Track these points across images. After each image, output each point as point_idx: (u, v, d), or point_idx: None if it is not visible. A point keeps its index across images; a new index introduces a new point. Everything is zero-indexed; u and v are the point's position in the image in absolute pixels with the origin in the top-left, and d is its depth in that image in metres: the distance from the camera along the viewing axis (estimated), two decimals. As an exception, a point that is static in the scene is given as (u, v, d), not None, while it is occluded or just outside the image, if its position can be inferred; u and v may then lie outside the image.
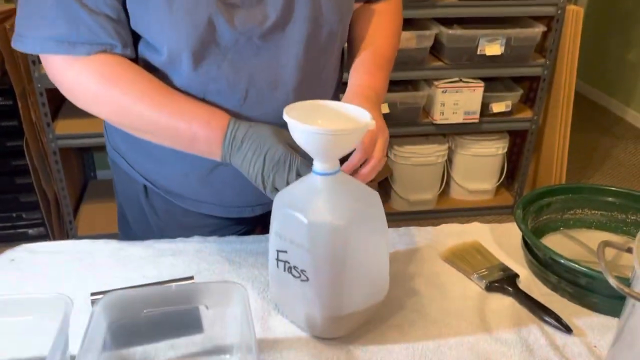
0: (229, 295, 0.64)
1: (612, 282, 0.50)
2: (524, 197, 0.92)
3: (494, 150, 2.24)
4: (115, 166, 0.96)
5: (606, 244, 0.55)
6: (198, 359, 0.67)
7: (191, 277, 0.79)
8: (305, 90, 0.82)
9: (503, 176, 2.34)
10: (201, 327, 0.69)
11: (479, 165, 2.28)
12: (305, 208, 0.65)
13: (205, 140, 0.73)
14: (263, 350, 0.69)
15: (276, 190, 0.70)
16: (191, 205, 0.92)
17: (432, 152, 2.19)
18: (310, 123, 0.62)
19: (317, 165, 0.66)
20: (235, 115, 0.77)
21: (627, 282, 0.53)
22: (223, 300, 0.65)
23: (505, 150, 2.28)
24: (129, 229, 1.00)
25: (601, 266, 0.52)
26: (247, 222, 0.96)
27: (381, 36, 0.90)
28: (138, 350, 0.67)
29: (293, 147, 0.71)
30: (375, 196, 0.69)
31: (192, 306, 0.67)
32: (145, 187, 0.93)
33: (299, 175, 0.69)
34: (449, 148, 2.26)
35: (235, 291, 0.64)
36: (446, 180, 2.33)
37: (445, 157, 2.25)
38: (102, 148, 2.42)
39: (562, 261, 0.77)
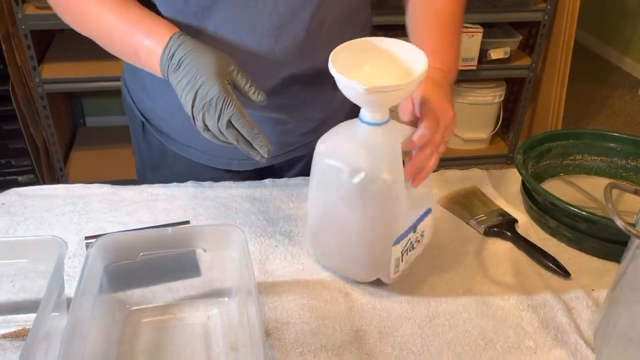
0: (227, 238, 0.63)
1: (620, 223, 0.49)
2: (525, 142, 0.90)
3: (490, 98, 2.21)
4: (125, 100, 0.93)
5: (613, 185, 0.54)
6: (196, 302, 0.66)
7: (187, 222, 0.78)
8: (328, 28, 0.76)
9: (498, 125, 2.32)
10: (199, 270, 0.68)
11: (475, 113, 2.26)
12: (350, 161, 0.62)
13: (147, 52, 0.65)
14: (262, 293, 0.69)
15: (207, 128, 0.63)
16: (180, 149, 0.89)
17: (428, 100, 2.15)
18: (356, 70, 0.58)
19: (365, 114, 0.62)
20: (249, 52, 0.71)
21: (630, 225, 0.52)
22: (221, 244, 0.64)
23: (502, 98, 2.25)
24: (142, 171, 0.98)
25: (608, 207, 0.52)
26: (239, 176, 0.92)
27: None
28: (135, 292, 0.66)
29: (237, 84, 0.63)
30: None
31: (189, 249, 0.66)
32: (143, 123, 0.91)
33: (230, 123, 0.61)
34: (445, 96, 2.22)
35: (233, 234, 0.63)
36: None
37: (441, 105, 2.22)
38: (91, 94, 2.38)
39: (562, 205, 0.76)
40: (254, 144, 0.63)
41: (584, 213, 0.74)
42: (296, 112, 0.83)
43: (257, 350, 0.51)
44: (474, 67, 2.06)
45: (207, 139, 0.65)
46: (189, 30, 0.68)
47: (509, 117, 2.40)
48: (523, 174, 0.82)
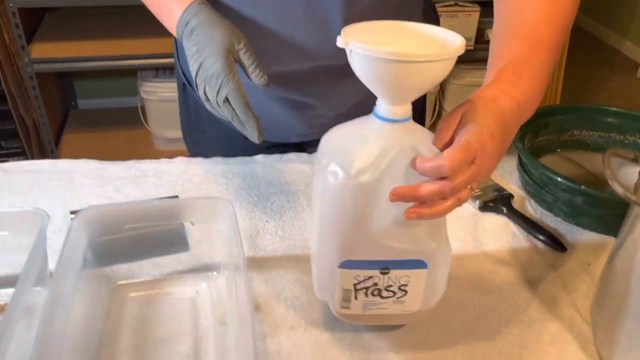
0: (215, 212, 0.62)
1: (619, 189, 0.48)
2: (522, 117, 0.89)
3: (487, 79, 2.19)
4: (175, 58, 0.93)
5: (613, 153, 0.53)
6: (184, 277, 0.65)
7: (176, 197, 0.76)
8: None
9: (495, 107, 2.30)
10: (187, 245, 0.67)
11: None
12: (331, 153, 0.52)
13: (168, 13, 0.66)
14: (252, 268, 0.67)
15: (208, 99, 0.61)
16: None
17: (424, 81, 2.12)
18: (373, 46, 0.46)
19: (381, 106, 0.50)
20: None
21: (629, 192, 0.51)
22: (209, 217, 0.62)
23: (499, 79, 2.23)
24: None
25: (606, 174, 0.50)
26: (269, 149, 0.90)
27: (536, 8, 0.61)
28: (122, 267, 0.64)
29: (242, 62, 0.62)
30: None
31: (177, 223, 0.64)
32: (184, 84, 0.90)
33: (227, 101, 0.60)
34: (442, 77, 2.20)
35: (222, 207, 0.61)
36: (438, 111, 2.29)
37: (438, 87, 2.20)
38: (83, 76, 2.34)
39: (559, 179, 0.74)
40: (246, 126, 0.61)
41: (581, 187, 0.73)
42: (325, 99, 0.81)
43: (245, 325, 0.49)
44: (471, 47, 2.03)
45: None
46: (225, 8, 0.67)
47: (506, 99, 2.38)
48: (519, 148, 0.81)
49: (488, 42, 2.22)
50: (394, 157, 0.49)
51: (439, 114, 2.30)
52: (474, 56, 2.09)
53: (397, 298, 0.55)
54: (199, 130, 0.94)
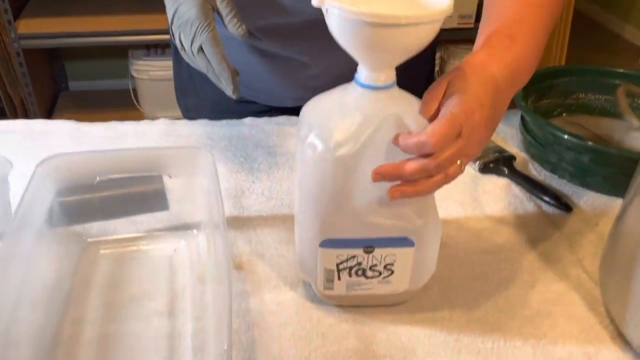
0: (194, 163, 0.57)
1: (634, 120, 0.43)
2: (524, 77, 0.84)
3: (487, 60, 2.14)
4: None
5: (626, 88, 0.48)
6: (163, 235, 0.60)
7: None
8: None
9: (496, 89, 2.25)
10: (166, 203, 0.62)
11: (472, 76, 2.18)
12: (310, 121, 0.48)
13: None
14: (235, 226, 0.63)
15: (183, 48, 0.58)
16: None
17: (423, 62, 2.08)
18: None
19: (362, 72, 0.46)
20: None
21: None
22: (187, 169, 0.58)
23: (500, 60, 2.17)
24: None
25: (620, 105, 0.45)
26: (266, 113, 0.85)
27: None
28: (94, 225, 0.60)
29: (219, 11, 0.58)
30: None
31: (157, 182, 0.60)
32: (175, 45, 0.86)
33: (201, 50, 0.56)
34: (441, 58, 2.15)
35: (201, 157, 0.57)
36: (437, 93, 2.24)
37: (437, 67, 2.15)
38: (74, 56, 2.29)
39: (565, 136, 0.70)
40: (220, 78, 0.57)
41: (588, 143, 0.68)
42: (319, 58, 0.77)
43: (222, 281, 0.45)
44: (471, 25, 1.98)
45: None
46: None
47: (506, 82, 2.33)
48: (522, 106, 0.76)
49: (488, 20, 2.11)
50: (376, 128, 0.45)
51: (438, 96, 2.25)
52: (474, 35, 2.04)
53: (383, 278, 0.51)
54: (191, 95, 0.90)
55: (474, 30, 2.01)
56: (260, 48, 0.77)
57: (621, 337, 0.51)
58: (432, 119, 0.45)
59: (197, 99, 0.89)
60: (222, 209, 0.51)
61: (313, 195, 0.48)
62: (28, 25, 1.73)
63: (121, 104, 2.13)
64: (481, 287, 0.56)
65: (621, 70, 0.87)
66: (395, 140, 0.45)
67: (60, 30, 1.72)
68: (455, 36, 2.03)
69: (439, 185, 0.45)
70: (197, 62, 0.57)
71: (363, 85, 0.46)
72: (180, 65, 0.89)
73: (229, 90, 0.57)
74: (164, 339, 0.49)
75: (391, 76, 0.46)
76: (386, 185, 0.47)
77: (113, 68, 2.23)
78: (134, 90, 2.04)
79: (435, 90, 0.46)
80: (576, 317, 0.53)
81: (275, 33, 0.73)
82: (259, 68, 0.80)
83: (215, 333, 0.45)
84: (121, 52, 2.08)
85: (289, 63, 0.77)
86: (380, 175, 0.45)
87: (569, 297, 0.55)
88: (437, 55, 2.12)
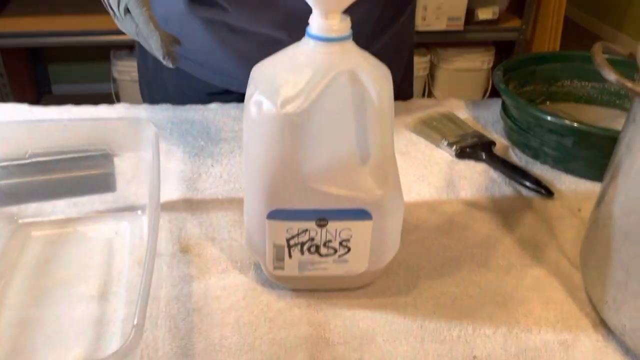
0: (136, 135, 0.52)
1: (612, 76, 0.38)
2: (506, 61, 0.80)
3: (478, 64, 2.11)
4: None
5: (603, 45, 0.44)
6: (104, 216, 0.55)
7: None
8: None
9: (487, 94, 2.22)
10: (114, 185, 0.57)
11: (462, 80, 2.15)
12: (256, 79, 0.43)
13: None
14: (187, 209, 0.58)
15: (111, 9, 0.54)
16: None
17: (412, 65, 2.04)
18: None
19: (313, 21, 0.42)
20: None
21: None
22: (130, 142, 0.53)
23: (491, 65, 2.15)
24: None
25: (596, 62, 0.41)
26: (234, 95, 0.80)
27: None
28: (31, 205, 0.55)
29: None
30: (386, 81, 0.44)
31: (107, 166, 0.55)
32: None
33: (127, 11, 0.53)
34: (431, 62, 2.12)
35: (143, 129, 0.52)
36: (427, 96, 2.20)
37: (427, 71, 2.12)
38: (57, 59, 2.25)
39: (547, 118, 0.65)
40: (149, 41, 0.53)
41: (571, 124, 0.64)
42: (296, 30, 0.71)
43: (147, 266, 0.39)
44: (461, 28, 1.95)
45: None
46: None
47: (498, 87, 2.30)
48: (502, 88, 0.72)
49: (478, 23, 2.13)
50: (328, 84, 0.41)
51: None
52: (464, 38, 2.01)
53: (339, 256, 0.46)
54: (158, 86, 0.85)
55: (464, 33, 1.99)
56: (228, 23, 0.72)
57: (603, 324, 0.46)
58: None
59: (165, 93, 0.84)
60: (158, 185, 0.46)
61: (259, 160, 0.43)
62: (7, 24, 1.69)
63: (105, 108, 2.09)
64: (451, 272, 0.51)
65: (607, 56, 0.83)
66: None
67: (41, 29, 1.68)
68: (445, 38, 2.00)
69: None
70: (126, 26, 0.54)
71: (314, 37, 0.42)
72: (145, 56, 0.84)
73: (159, 54, 0.52)
74: (91, 324, 0.44)
75: (345, 27, 0.42)
76: (340, 149, 0.42)
77: (96, 72, 2.19)
78: (116, 94, 2.00)
79: None
80: (554, 303, 0.48)
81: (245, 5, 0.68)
82: (228, 49, 0.75)
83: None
84: (105, 56, 2.05)
85: (263, 41, 0.72)
86: None
87: (547, 283, 0.50)
88: (427, 58, 2.09)
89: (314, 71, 0.41)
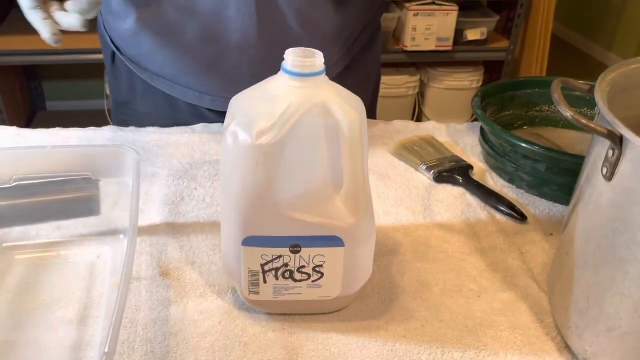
0: (118, 162, 0.54)
1: (567, 112, 0.40)
2: (484, 87, 0.82)
3: (467, 83, 2.14)
4: (99, 30, 0.86)
5: (562, 81, 0.46)
6: (87, 240, 0.57)
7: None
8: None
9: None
10: (98, 209, 0.59)
11: (452, 99, 2.18)
12: (244, 121, 0.44)
13: None
14: (167, 232, 0.59)
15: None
16: (150, 79, 0.80)
17: (402, 84, 2.07)
18: None
19: (288, 58, 0.44)
20: None
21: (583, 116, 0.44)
22: (113, 169, 0.54)
23: (480, 84, 2.18)
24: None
25: (554, 98, 0.43)
26: (218, 117, 0.81)
27: None
28: (15, 229, 0.56)
29: None
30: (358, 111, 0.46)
31: (92, 189, 0.57)
32: (113, 54, 0.83)
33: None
34: (421, 81, 2.15)
35: (125, 156, 0.53)
36: (417, 116, 2.23)
37: (417, 90, 2.15)
38: (52, 76, 2.27)
39: (522, 144, 0.67)
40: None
41: (544, 151, 0.66)
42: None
43: (122, 289, 0.41)
44: (450, 48, 1.99)
45: (178, 69, 0.65)
46: None
47: (487, 106, 2.33)
48: (479, 114, 0.74)
49: (467, 43, 2.17)
50: (302, 117, 0.43)
51: (418, 119, 2.24)
52: (453, 58, 2.04)
53: (313, 282, 0.48)
54: (131, 108, 0.85)
55: (453, 53, 2.02)
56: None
57: (568, 349, 0.47)
58: None
59: (137, 113, 0.84)
60: (137, 211, 0.48)
61: (234, 188, 0.45)
62: (2, 43, 1.72)
63: (98, 125, 2.10)
64: (424, 296, 0.53)
65: (585, 82, 0.85)
66: None
67: (35, 48, 1.71)
68: (435, 58, 2.04)
69: None
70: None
71: (289, 73, 0.44)
72: (118, 79, 0.85)
73: (47, 37, 0.57)
74: (69, 349, 0.45)
75: (319, 64, 0.44)
76: (313, 179, 0.44)
77: (91, 89, 2.21)
78: (109, 111, 2.01)
79: None
80: (522, 327, 0.50)
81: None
82: (178, 62, 0.76)
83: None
84: (99, 73, 2.07)
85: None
86: None
87: (516, 307, 0.52)
88: (417, 77, 2.12)
89: (288, 104, 0.43)
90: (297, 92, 0.44)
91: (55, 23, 0.57)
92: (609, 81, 0.45)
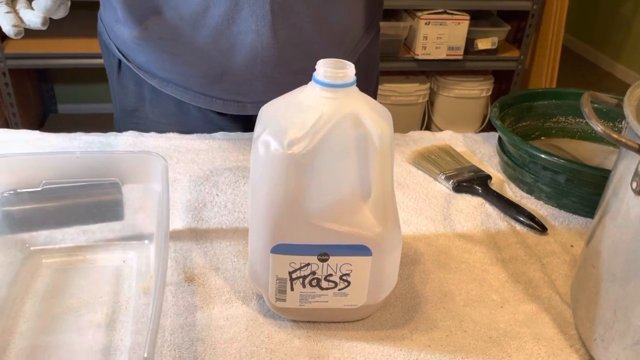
0: (146, 168, 0.54)
1: (599, 128, 0.41)
2: (502, 98, 0.82)
3: (477, 92, 2.14)
4: (101, 40, 0.86)
5: (591, 95, 0.46)
6: (113, 245, 0.57)
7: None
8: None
9: (485, 121, 2.25)
10: (122, 214, 0.59)
11: (462, 108, 2.18)
12: (276, 130, 0.45)
13: None
14: (192, 239, 0.60)
15: None
16: (160, 85, 0.80)
17: (412, 92, 2.08)
18: None
19: (320, 69, 0.44)
20: None
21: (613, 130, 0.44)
22: (140, 175, 0.55)
23: (490, 93, 2.18)
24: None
25: (585, 113, 0.43)
26: (229, 126, 0.82)
27: None
28: (42, 234, 0.57)
29: None
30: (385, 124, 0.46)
31: (114, 184, 0.57)
32: (119, 62, 0.82)
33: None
34: (431, 89, 2.16)
35: (153, 162, 0.54)
36: (426, 124, 2.23)
37: (427, 98, 2.15)
38: (63, 80, 2.29)
39: (541, 155, 0.68)
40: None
41: (564, 162, 0.66)
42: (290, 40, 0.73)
43: (157, 296, 0.41)
44: (460, 57, 1.99)
45: (189, 74, 0.66)
46: None
47: (497, 115, 2.33)
48: (498, 125, 0.74)
49: (478, 52, 2.17)
50: (333, 127, 0.44)
51: (427, 127, 2.25)
52: (463, 67, 2.05)
53: (339, 290, 0.48)
54: (139, 115, 0.85)
55: (463, 62, 2.03)
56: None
57: (592, 361, 0.47)
58: None
59: (146, 120, 0.84)
60: (168, 217, 0.48)
61: (265, 196, 0.46)
62: (15, 46, 1.73)
63: (109, 128, 2.12)
64: (447, 306, 0.53)
65: (610, 96, 0.86)
66: None
67: (47, 51, 1.72)
68: (445, 67, 2.04)
69: None
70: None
71: (321, 84, 0.45)
72: (124, 87, 0.85)
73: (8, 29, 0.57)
74: (99, 352, 0.45)
75: (350, 75, 0.45)
76: (342, 188, 0.45)
77: (102, 92, 2.22)
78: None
79: None
80: (545, 339, 0.50)
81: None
82: (190, 65, 0.76)
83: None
84: (111, 76, 2.08)
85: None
86: None
87: (539, 319, 0.52)
88: (427, 85, 2.13)
89: (320, 114, 0.44)
90: (329, 103, 0.44)
91: (20, 19, 0.58)
92: (637, 95, 0.45)
